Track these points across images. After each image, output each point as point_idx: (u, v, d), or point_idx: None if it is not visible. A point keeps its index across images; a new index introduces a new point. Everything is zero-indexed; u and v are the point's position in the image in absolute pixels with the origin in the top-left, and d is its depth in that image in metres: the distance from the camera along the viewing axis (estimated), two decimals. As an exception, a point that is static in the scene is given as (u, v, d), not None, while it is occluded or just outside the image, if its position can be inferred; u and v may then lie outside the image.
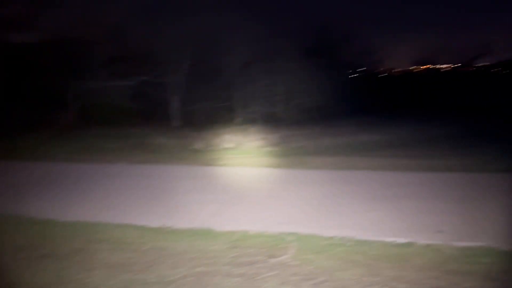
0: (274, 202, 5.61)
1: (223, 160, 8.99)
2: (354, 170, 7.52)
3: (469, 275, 3.23)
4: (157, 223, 4.88)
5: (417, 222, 4.62)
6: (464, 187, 6.00)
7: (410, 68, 47.60)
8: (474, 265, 3.41)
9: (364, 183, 6.46)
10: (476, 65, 40.92)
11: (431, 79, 38.44)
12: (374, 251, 3.85)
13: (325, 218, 4.90)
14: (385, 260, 3.64)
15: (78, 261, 3.78)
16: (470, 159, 8.24)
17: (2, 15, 16.61)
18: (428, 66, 43.10)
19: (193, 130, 15.06)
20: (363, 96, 24.48)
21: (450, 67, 41.73)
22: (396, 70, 50.08)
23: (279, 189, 6.30)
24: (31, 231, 4.62)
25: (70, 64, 16.69)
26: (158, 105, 20.02)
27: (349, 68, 28.39)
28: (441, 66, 42.33)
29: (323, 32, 27.14)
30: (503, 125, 16.66)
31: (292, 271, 3.43)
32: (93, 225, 4.91)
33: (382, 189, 6.02)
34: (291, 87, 18.63)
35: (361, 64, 30.61)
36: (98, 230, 4.73)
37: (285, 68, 18.39)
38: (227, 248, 4.10)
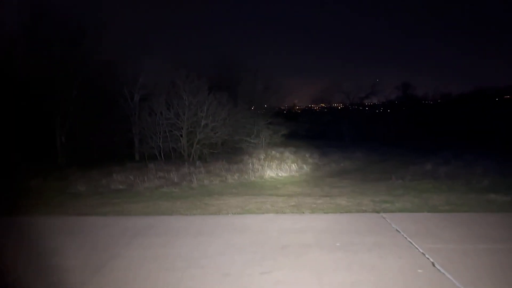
0: (158, 266, 4.39)
1: (107, 206, 7.44)
2: (249, 214, 6.67)
3: None
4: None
5: None
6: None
7: (310, 105, 50.69)
8: None
9: (265, 230, 5.61)
10: (366, 104, 45.35)
11: (328, 115, 41.23)
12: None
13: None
14: None
15: None
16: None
17: None
18: (324, 104, 46.41)
19: (80, 168, 12.99)
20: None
21: (342, 105, 45.51)
22: (298, 107, 52.88)
23: (170, 244, 5.08)
24: None
25: None
26: (41, 140, 17.25)
27: (255, 104, 28.57)
28: (336, 104, 45.98)
29: (228, 67, 27.23)
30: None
31: None
32: None
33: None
34: (194, 121, 17.63)
35: (266, 101, 31.18)
36: None
37: (188, 102, 17.40)
38: None
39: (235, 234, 5.44)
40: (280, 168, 13.50)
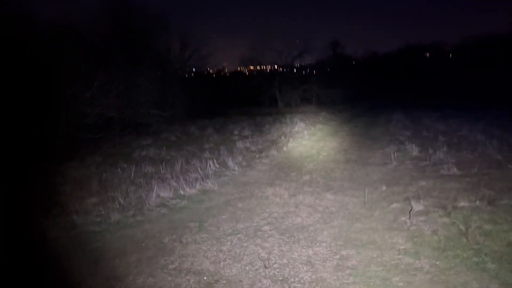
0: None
1: None
2: None
3: None
4: None
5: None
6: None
7: (240, 69, 44.62)
8: None
9: None
10: (297, 65, 40.55)
11: (258, 78, 35.62)
12: None
13: None
14: None
15: None
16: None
17: None
18: (253, 67, 40.67)
19: None
20: (196, 97, 19.03)
21: (272, 67, 40.17)
22: (227, 71, 46.49)
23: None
24: None
25: None
26: None
27: (170, 66, 22.07)
28: (266, 67, 40.45)
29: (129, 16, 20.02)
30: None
31: None
32: None
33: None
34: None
35: (185, 61, 24.75)
36: None
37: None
38: None
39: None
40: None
